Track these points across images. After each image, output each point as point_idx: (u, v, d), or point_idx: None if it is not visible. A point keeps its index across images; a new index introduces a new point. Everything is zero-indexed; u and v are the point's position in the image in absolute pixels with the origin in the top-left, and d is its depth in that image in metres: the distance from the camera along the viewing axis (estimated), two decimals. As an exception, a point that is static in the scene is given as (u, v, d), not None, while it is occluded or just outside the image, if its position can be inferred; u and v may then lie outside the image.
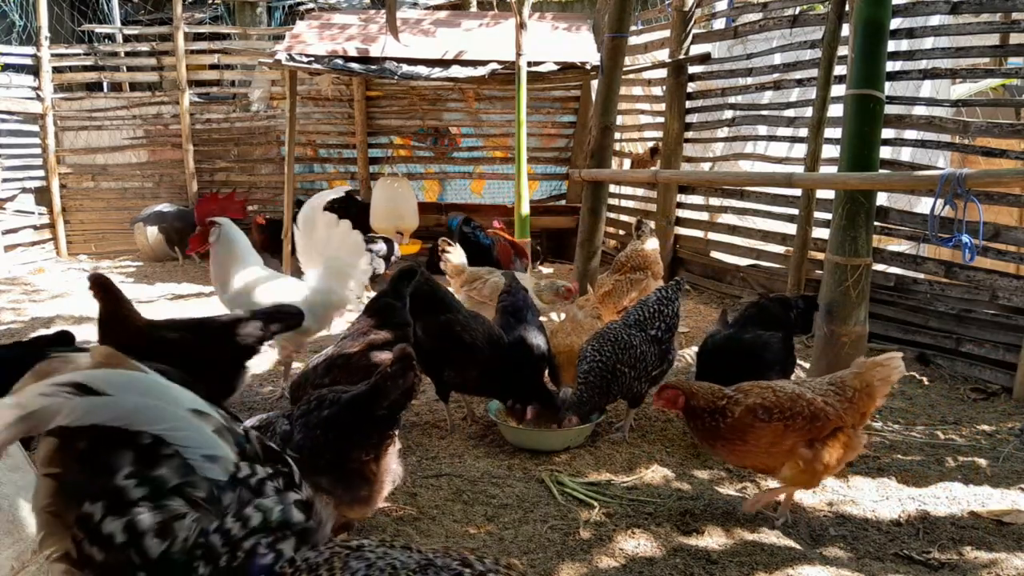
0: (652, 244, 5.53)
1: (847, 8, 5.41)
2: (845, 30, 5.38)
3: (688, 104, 7.63)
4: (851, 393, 2.90)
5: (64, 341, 3.52)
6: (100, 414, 1.17)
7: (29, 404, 1.13)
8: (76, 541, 1.17)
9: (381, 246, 7.25)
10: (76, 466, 1.18)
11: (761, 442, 2.83)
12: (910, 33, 5.60)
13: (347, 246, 4.64)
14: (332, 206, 8.59)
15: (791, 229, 6.34)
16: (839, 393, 2.91)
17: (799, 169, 6.11)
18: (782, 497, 3.07)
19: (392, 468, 2.66)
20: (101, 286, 3.65)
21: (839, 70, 5.68)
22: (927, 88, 6.61)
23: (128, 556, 1.17)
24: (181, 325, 3.81)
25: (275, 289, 4.40)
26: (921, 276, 5.52)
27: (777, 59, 6.86)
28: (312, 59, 7.18)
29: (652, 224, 5.62)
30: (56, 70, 9.44)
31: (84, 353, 1.31)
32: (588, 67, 7.20)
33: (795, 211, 6.23)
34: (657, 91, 8.54)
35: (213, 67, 9.72)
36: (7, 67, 9.04)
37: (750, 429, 2.82)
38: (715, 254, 7.53)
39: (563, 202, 9.82)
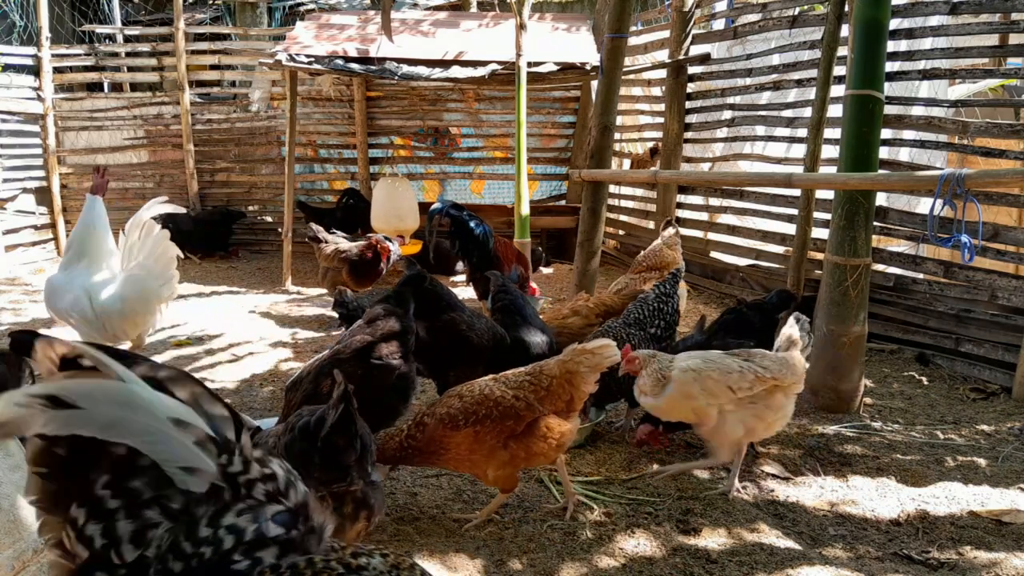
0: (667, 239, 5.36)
1: (846, 8, 5.41)
2: (844, 31, 5.38)
3: (688, 104, 7.64)
4: (548, 382, 2.82)
5: None
6: (75, 426, 1.17)
7: (4, 413, 1.14)
8: (67, 534, 1.21)
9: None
10: (60, 470, 1.20)
11: (462, 450, 2.79)
12: (909, 33, 5.60)
13: (154, 256, 4.42)
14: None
15: (790, 229, 6.34)
16: (534, 384, 2.83)
17: (799, 169, 6.12)
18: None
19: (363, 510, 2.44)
20: None
21: (838, 70, 5.68)
22: (925, 88, 6.62)
23: (109, 556, 1.20)
24: None
25: (92, 275, 4.34)
26: (920, 276, 5.52)
27: (776, 60, 6.87)
28: (312, 59, 7.18)
29: (676, 228, 5.37)
30: (57, 70, 9.45)
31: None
32: (588, 67, 7.20)
33: (794, 211, 6.23)
34: (657, 91, 8.55)
35: (213, 67, 9.72)
36: (8, 67, 9.05)
37: (446, 439, 2.78)
38: (715, 254, 7.54)
39: (563, 202, 9.82)
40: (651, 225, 8.03)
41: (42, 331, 1.28)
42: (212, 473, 1.25)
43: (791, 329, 3.31)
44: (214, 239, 9.34)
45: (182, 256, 4.79)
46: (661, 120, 7.93)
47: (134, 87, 10.54)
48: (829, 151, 5.87)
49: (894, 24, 5.28)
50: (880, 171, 4.57)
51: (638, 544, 2.84)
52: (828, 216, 4.95)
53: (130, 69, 9.96)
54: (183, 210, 9.31)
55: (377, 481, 2.53)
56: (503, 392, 2.81)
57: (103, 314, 4.29)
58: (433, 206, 6.44)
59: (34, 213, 9.36)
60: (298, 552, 1.29)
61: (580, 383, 2.84)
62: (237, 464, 1.28)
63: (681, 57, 7.38)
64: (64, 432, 1.17)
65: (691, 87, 7.67)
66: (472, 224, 6.21)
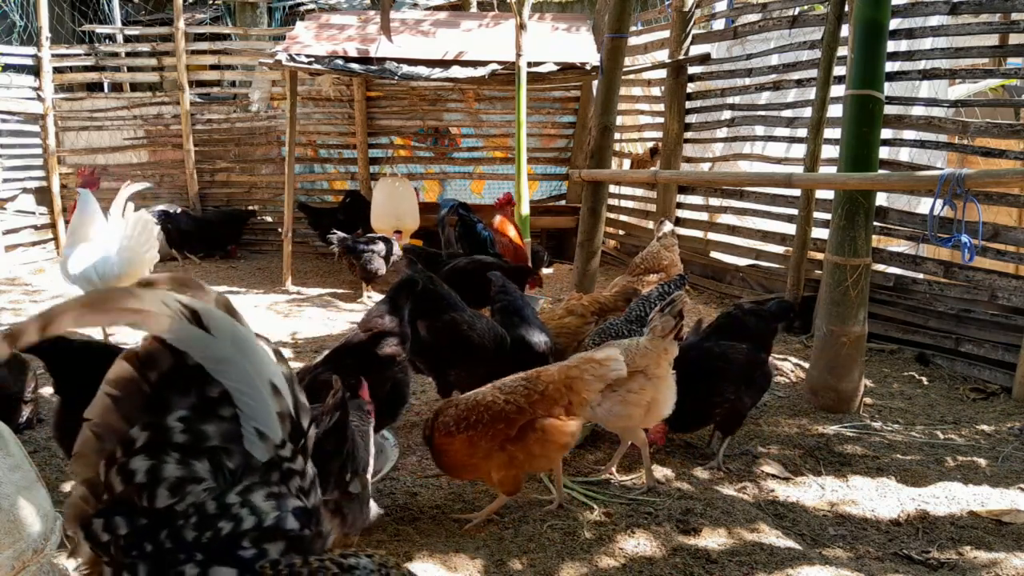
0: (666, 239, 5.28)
1: (846, 9, 5.41)
2: (844, 31, 5.38)
3: (687, 104, 7.64)
4: (543, 387, 2.85)
5: None
6: (195, 347, 1.21)
7: (146, 303, 1.17)
8: (108, 464, 1.21)
9: (380, 246, 7.24)
10: (138, 394, 1.22)
11: (460, 456, 2.84)
12: (909, 34, 5.60)
13: (136, 230, 5.17)
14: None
15: (790, 229, 6.34)
16: (528, 387, 2.86)
17: (798, 169, 6.12)
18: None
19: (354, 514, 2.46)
20: None
21: (838, 70, 5.68)
22: (925, 88, 6.62)
23: (139, 497, 1.21)
24: None
25: (84, 249, 5.24)
26: (920, 276, 5.52)
27: (775, 60, 6.87)
28: (312, 59, 7.18)
29: (670, 226, 5.30)
30: (57, 70, 9.44)
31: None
32: (588, 67, 7.20)
33: (794, 211, 6.23)
34: (657, 91, 8.55)
35: (213, 67, 9.72)
36: (8, 67, 9.04)
37: (444, 446, 2.86)
38: (715, 254, 7.54)
39: (563, 202, 9.82)
40: (651, 225, 8.02)
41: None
42: (276, 447, 1.28)
43: (655, 318, 3.27)
44: (220, 240, 9.34)
45: (161, 233, 5.54)
46: (661, 120, 7.93)
47: (134, 87, 10.54)
48: (829, 151, 5.87)
49: (894, 24, 5.28)
50: (880, 171, 4.57)
51: (638, 544, 2.84)
52: (828, 216, 4.95)
53: (130, 69, 9.95)
54: (190, 210, 9.35)
55: (355, 492, 2.46)
56: (494, 397, 2.86)
57: (104, 279, 5.11)
58: (445, 202, 6.61)
59: (34, 213, 9.35)
60: (302, 552, 1.30)
61: (582, 389, 2.87)
62: (295, 450, 1.31)
63: (681, 57, 7.37)
64: (183, 348, 1.20)
65: (691, 87, 7.66)
66: (479, 228, 6.44)
